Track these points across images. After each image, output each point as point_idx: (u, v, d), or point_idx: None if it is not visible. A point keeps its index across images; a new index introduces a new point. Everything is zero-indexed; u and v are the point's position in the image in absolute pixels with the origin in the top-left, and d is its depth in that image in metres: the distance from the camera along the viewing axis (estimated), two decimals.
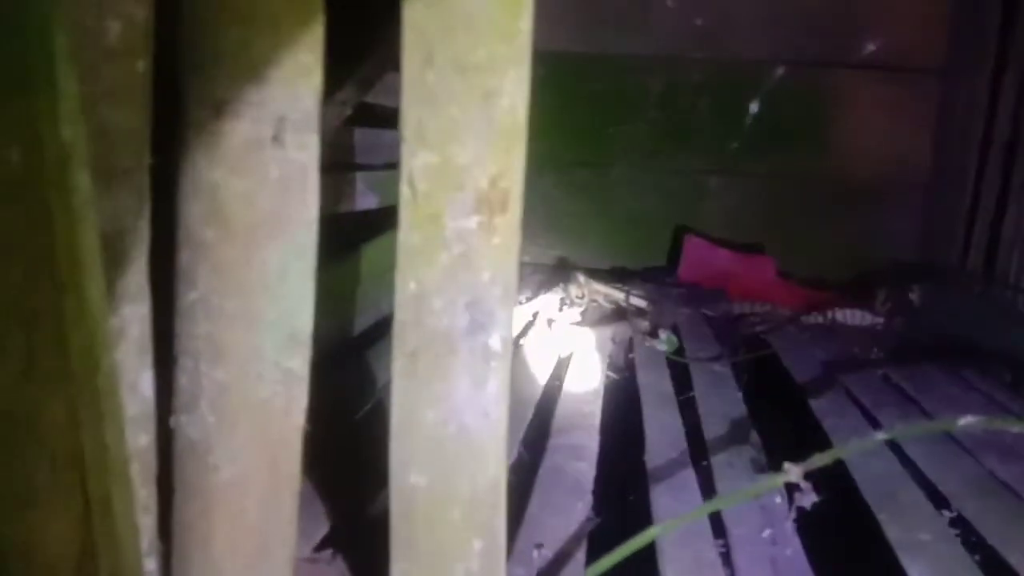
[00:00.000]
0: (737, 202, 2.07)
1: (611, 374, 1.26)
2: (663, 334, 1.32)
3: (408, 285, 0.50)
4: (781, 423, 1.07)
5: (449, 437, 0.52)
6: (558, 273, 1.83)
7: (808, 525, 0.79)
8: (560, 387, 1.14)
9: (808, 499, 0.66)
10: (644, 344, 1.35)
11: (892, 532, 0.74)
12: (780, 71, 2.02)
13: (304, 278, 0.50)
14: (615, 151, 2.13)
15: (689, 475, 0.84)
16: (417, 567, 0.53)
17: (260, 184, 0.48)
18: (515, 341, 1.39)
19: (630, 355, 1.36)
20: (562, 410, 1.03)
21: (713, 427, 0.99)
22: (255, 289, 0.49)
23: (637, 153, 2.12)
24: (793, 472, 0.64)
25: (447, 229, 0.49)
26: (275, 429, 0.51)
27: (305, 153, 0.48)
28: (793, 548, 0.70)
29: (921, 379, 1.27)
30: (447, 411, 0.51)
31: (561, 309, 1.59)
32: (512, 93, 0.49)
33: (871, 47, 1.96)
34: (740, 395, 1.14)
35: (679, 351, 1.31)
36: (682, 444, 0.94)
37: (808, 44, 2.01)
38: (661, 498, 0.79)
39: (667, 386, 1.17)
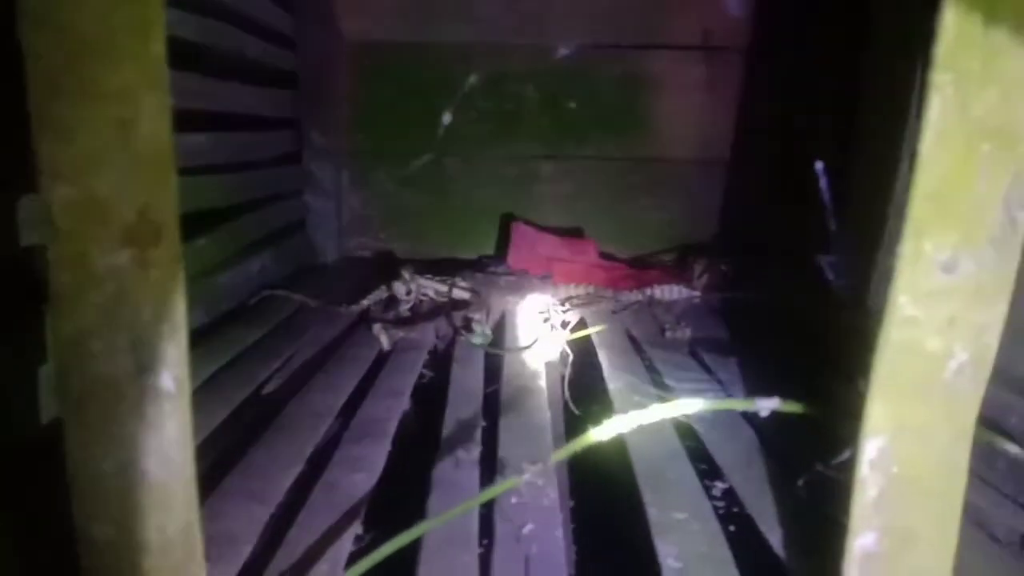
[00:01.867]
0: (569, 187, 2.11)
1: (426, 372, 1.26)
2: (477, 327, 1.33)
3: (64, 329, 0.47)
4: (581, 404, 1.10)
5: (130, 486, 0.49)
6: (386, 270, 1.81)
7: (582, 515, 0.81)
8: (367, 391, 1.13)
9: (549, 496, 0.68)
10: (460, 337, 1.35)
11: (652, 513, 0.77)
12: (598, 54, 2.07)
13: None
14: (448, 141, 2.12)
15: (469, 477, 0.85)
16: None
17: None
18: (331, 344, 1.36)
19: (450, 348, 1.36)
20: (359, 417, 1.01)
21: (508, 421, 1.00)
22: None
23: (470, 142, 2.12)
24: (530, 471, 0.66)
25: (97, 267, 0.46)
26: None
27: None
28: (551, 542, 0.71)
29: (720, 350, 1.34)
30: (124, 459, 0.48)
31: (388, 309, 1.57)
32: (151, 119, 0.46)
33: (684, 28, 2.03)
34: (543, 384, 1.16)
35: (493, 342, 1.32)
36: (475, 444, 0.94)
37: (625, 26, 2.06)
38: (435, 503, 0.79)
39: (475, 381, 1.17)
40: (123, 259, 0.46)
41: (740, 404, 0.70)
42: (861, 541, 0.52)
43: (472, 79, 2.09)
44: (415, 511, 0.79)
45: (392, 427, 0.98)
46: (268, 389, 1.17)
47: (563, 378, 1.18)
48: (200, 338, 1.33)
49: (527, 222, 1.86)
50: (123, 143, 0.45)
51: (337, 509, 0.77)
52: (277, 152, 1.93)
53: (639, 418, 0.69)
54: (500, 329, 1.49)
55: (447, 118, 2.11)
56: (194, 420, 0.50)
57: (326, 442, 0.94)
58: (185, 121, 1.40)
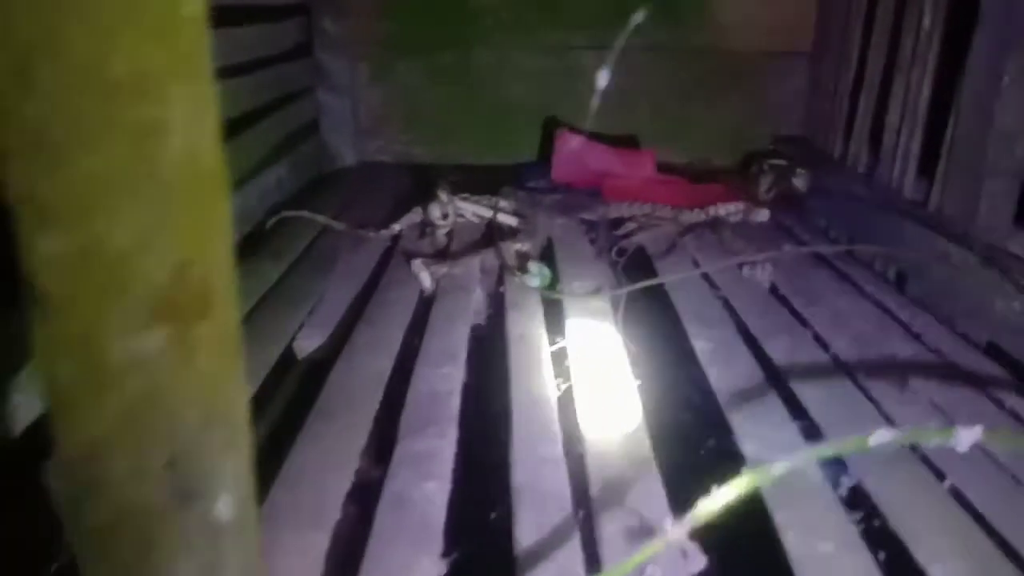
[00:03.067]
0: (617, 81, 1.88)
1: (477, 321, 1.11)
2: (533, 266, 1.17)
3: (71, 443, 0.31)
4: (665, 377, 0.95)
5: None
6: (413, 179, 1.64)
7: None
8: (417, 350, 0.98)
9: (696, 564, 0.54)
10: (514, 277, 1.19)
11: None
12: None
13: None
14: (479, 28, 1.88)
15: (560, 487, 0.71)
16: None
17: None
18: (368, 282, 1.21)
19: (500, 288, 1.21)
20: (414, 392, 0.87)
21: (589, 402, 0.86)
22: None
23: (504, 29, 1.88)
24: (674, 533, 0.52)
25: (113, 355, 0.30)
26: None
27: None
28: None
29: (808, 291, 1.18)
30: None
31: (423, 235, 1.40)
32: (189, 126, 0.28)
33: None
34: (619, 342, 1.01)
35: (552, 284, 1.16)
36: (554, 429, 0.81)
37: None
38: (525, 523, 0.66)
39: (538, 336, 1.02)
40: (153, 342, 0.30)
41: (933, 435, 0.55)
42: None
43: None
44: (501, 530, 0.67)
45: (455, 408, 0.84)
46: (302, 343, 1.02)
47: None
48: None
49: (573, 129, 1.66)
50: (147, 164, 0.28)
51: (411, 534, 0.64)
52: (286, 45, 1.70)
53: (804, 457, 0.55)
54: (550, 260, 1.33)
55: (478, 1, 1.86)
56: None
57: (382, 429, 0.80)
58: None
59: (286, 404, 0.93)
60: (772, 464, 0.52)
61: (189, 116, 0.28)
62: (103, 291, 0.29)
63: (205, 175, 0.29)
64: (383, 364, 0.93)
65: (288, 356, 1.01)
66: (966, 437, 0.52)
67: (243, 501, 0.33)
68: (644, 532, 0.64)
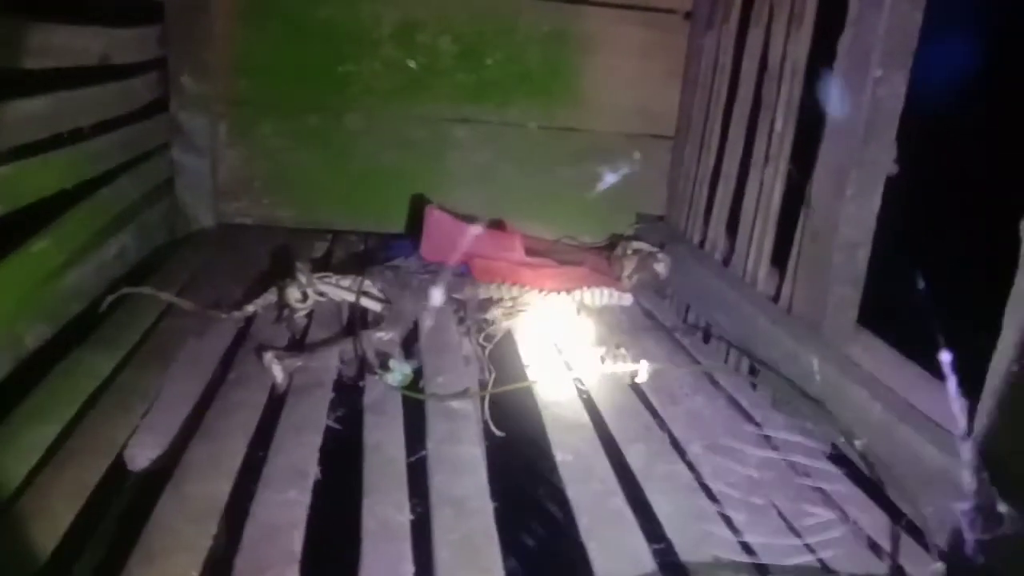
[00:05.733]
0: (487, 156, 1.88)
1: (331, 423, 1.05)
2: (394, 363, 1.12)
3: None
4: (526, 495, 0.93)
5: None
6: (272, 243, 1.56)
7: None
8: (261, 468, 0.91)
9: None
10: (375, 376, 1.14)
11: None
12: (526, 5, 1.82)
13: None
14: (349, 93, 1.84)
15: None
16: None
17: None
18: (213, 378, 1.12)
19: (360, 383, 1.15)
20: (253, 525, 0.80)
21: (443, 527, 0.82)
22: None
23: (375, 97, 1.84)
24: None
25: None
26: None
27: None
28: None
29: (667, 390, 1.20)
30: None
31: (280, 317, 1.33)
32: None
33: None
34: (480, 451, 0.98)
35: (412, 384, 1.12)
36: (405, 566, 0.76)
37: None
38: None
39: (395, 448, 0.97)
40: None
41: None
42: None
43: (383, 25, 1.79)
44: None
45: (297, 543, 0.77)
46: (134, 453, 0.93)
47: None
48: (40, 370, 1.06)
49: (442, 207, 1.63)
50: None
51: None
52: (139, 103, 1.59)
53: None
54: (413, 347, 1.29)
55: (348, 66, 1.82)
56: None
57: (213, 573, 0.73)
58: (12, 83, 1.09)
59: (110, 537, 0.83)
60: None
61: None
62: None
63: None
64: (219, 489, 0.85)
65: (119, 468, 0.91)
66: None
67: None
68: None
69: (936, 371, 1.03)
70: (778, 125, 1.38)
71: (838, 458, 1.04)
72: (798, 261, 1.28)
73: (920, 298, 1.30)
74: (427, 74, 1.83)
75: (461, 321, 1.43)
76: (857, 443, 1.00)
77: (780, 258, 1.38)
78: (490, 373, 1.22)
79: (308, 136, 1.85)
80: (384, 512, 0.84)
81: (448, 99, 1.85)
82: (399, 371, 1.11)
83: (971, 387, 0.91)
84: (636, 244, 1.67)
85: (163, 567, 0.72)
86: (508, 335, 1.38)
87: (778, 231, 1.40)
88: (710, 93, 1.68)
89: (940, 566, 0.77)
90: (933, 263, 1.42)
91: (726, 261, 1.56)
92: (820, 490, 0.96)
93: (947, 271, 1.38)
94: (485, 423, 1.08)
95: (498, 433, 1.03)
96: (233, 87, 1.80)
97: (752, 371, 1.33)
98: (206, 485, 0.85)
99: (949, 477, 0.85)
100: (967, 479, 0.80)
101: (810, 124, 1.29)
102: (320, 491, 0.88)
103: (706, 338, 1.47)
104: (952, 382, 0.83)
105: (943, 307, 1.27)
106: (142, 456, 0.94)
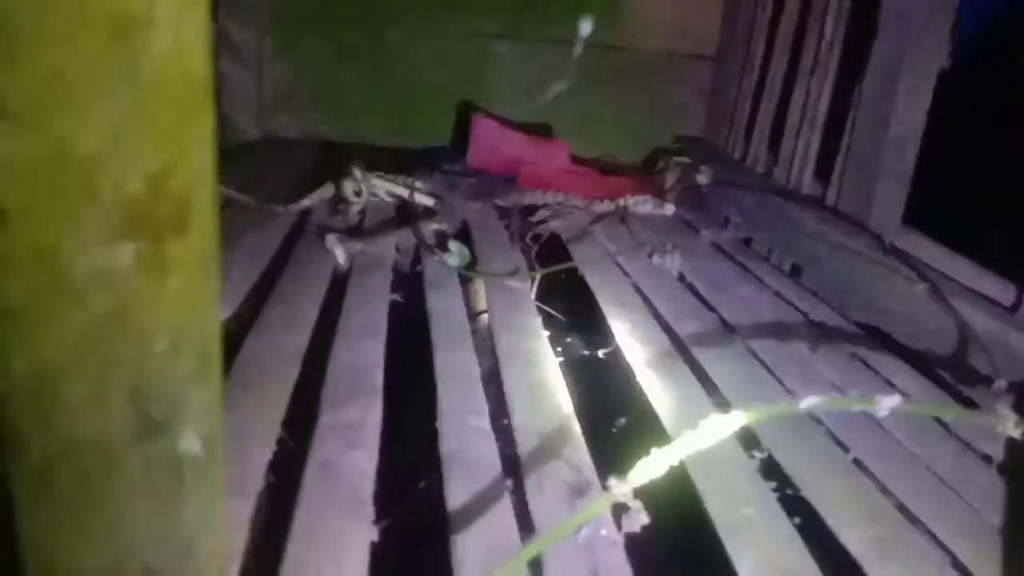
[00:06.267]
0: (528, 72, 1.90)
1: (396, 297, 1.09)
2: (453, 245, 1.16)
3: (20, 367, 0.28)
4: (589, 363, 0.97)
5: None
6: (328, 163, 1.58)
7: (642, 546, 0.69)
8: (336, 323, 0.95)
9: (638, 521, 0.55)
10: (433, 257, 1.18)
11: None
12: None
13: None
14: (393, 8, 1.85)
15: (489, 455, 0.71)
16: None
17: None
18: (277, 257, 1.17)
19: (418, 267, 1.19)
20: (336, 365, 0.85)
21: (514, 377, 0.86)
22: None
23: (418, 12, 1.85)
24: (619, 490, 0.53)
25: (76, 270, 0.27)
26: None
27: None
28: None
29: (713, 280, 1.23)
30: (117, 553, 0.31)
31: (335, 211, 1.36)
32: (171, 20, 0.26)
33: None
34: (539, 320, 1.02)
35: (470, 264, 1.16)
36: (480, 401, 0.80)
37: None
38: (457, 492, 0.65)
39: (459, 314, 1.02)
40: (123, 257, 0.28)
41: (857, 403, 0.59)
42: None
43: None
44: (433, 497, 0.66)
45: (379, 380, 0.82)
46: None
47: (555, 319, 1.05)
48: None
49: (488, 115, 1.66)
50: (125, 61, 0.26)
51: (341, 502, 0.62)
52: None
53: (724, 425, 0.57)
54: (466, 242, 1.32)
55: None
56: None
57: (303, 401, 0.78)
58: None
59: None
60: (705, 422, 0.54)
61: (177, 11, 0.26)
62: (67, 198, 0.27)
63: (190, 79, 0.27)
64: (299, 340, 0.89)
65: None
66: (886, 403, 0.56)
67: (210, 436, 0.31)
68: (576, 493, 0.65)
69: (982, 262, 1.07)
70: (827, 31, 1.39)
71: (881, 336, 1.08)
72: (846, 160, 1.30)
73: (968, 199, 1.32)
74: None
75: (507, 226, 1.46)
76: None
77: (823, 169, 1.40)
78: (538, 266, 1.26)
79: (351, 51, 1.86)
80: (456, 362, 0.88)
81: (489, 14, 1.86)
82: (458, 253, 1.15)
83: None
84: (678, 158, 1.69)
85: (258, 394, 0.77)
86: (554, 237, 1.41)
87: (822, 140, 1.42)
88: (755, 9, 1.68)
89: (1003, 382, 0.81)
90: (981, 165, 1.44)
91: (768, 174, 1.58)
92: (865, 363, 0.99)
93: (995, 175, 1.40)
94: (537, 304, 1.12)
95: (555, 314, 1.07)
96: (278, 1, 1.81)
97: (793, 272, 1.36)
98: (287, 335, 0.90)
99: (1000, 339, 0.88)
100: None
101: (859, 27, 1.31)
102: (394, 345, 0.92)
103: (747, 242, 1.50)
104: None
105: (991, 209, 1.30)
106: (221, 313, 0.98)
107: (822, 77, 1.39)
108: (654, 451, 0.52)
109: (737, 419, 0.56)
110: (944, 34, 1.14)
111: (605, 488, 0.52)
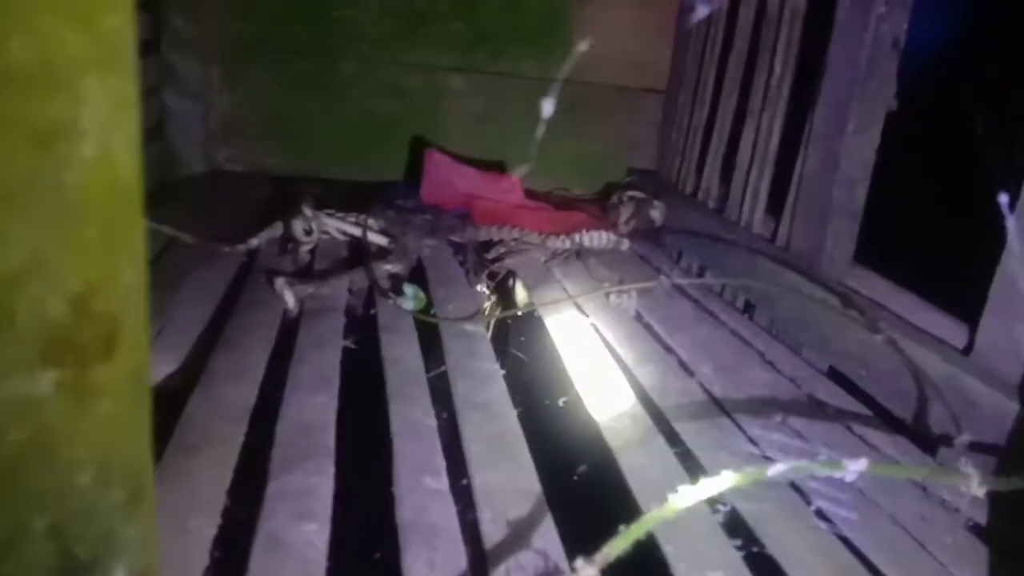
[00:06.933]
0: (480, 106, 1.89)
1: (349, 343, 1.06)
2: (408, 289, 1.13)
3: None
4: (545, 404, 0.95)
5: None
6: (277, 199, 1.55)
7: None
8: (284, 377, 0.92)
9: None
10: (388, 300, 1.15)
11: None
12: None
13: None
14: (344, 39, 1.82)
15: (448, 521, 0.68)
16: None
17: None
18: (223, 302, 1.12)
19: (372, 311, 1.16)
20: (285, 422, 0.81)
21: (472, 427, 0.84)
22: None
23: (370, 43, 1.83)
24: (586, 573, 0.51)
25: None
26: None
27: None
28: None
29: (671, 320, 1.23)
30: None
31: (284, 251, 1.33)
32: (103, 131, 0.24)
33: None
34: (496, 366, 1.00)
35: (426, 308, 1.13)
36: (438, 460, 0.77)
37: None
38: (414, 565, 0.62)
39: (416, 361, 0.99)
40: (42, 386, 0.25)
41: (825, 467, 0.58)
42: None
43: None
44: (389, 569, 0.63)
45: (330, 439, 0.79)
46: (154, 371, 0.92)
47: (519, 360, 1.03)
48: None
49: (441, 150, 1.64)
50: (48, 171, 0.23)
51: None
52: None
53: (709, 487, 0.55)
54: (421, 282, 1.30)
55: (343, 11, 1.80)
56: None
57: (251, 465, 0.74)
58: None
59: None
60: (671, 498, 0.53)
61: (105, 117, 0.24)
62: None
63: (119, 188, 0.25)
64: (246, 394, 0.86)
65: None
66: (854, 467, 0.55)
67: (144, 572, 0.28)
68: (543, 571, 0.62)
69: (933, 300, 1.09)
70: (777, 68, 1.41)
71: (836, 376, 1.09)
72: (796, 198, 1.31)
73: (916, 234, 1.35)
74: (421, 22, 1.83)
75: (462, 263, 1.44)
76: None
77: (774, 204, 1.42)
78: (497, 306, 1.24)
79: (301, 82, 1.83)
80: (411, 415, 0.85)
81: (443, 48, 1.85)
82: (413, 296, 1.12)
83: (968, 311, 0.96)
84: (631, 192, 1.70)
85: (202, 459, 0.73)
86: (510, 275, 1.39)
87: (773, 177, 1.43)
88: (704, 44, 1.71)
89: (965, 437, 0.81)
90: (928, 200, 1.47)
91: (719, 209, 1.59)
92: (825, 408, 0.99)
93: (941, 208, 1.43)
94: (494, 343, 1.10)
95: (518, 355, 1.05)
96: (226, 30, 1.77)
97: (746, 308, 1.37)
98: (234, 389, 0.86)
99: (955, 384, 0.89)
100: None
101: (808, 65, 1.33)
102: (346, 398, 0.89)
103: (700, 275, 1.51)
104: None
105: (939, 242, 1.32)
106: (158, 371, 0.93)
107: (772, 114, 1.41)
108: (622, 528, 0.50)
109: (705, 489, 0.55)
110: (891, 75, 1.16)
111: (573, 570, 0.50)
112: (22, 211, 0.23)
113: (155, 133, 1.73)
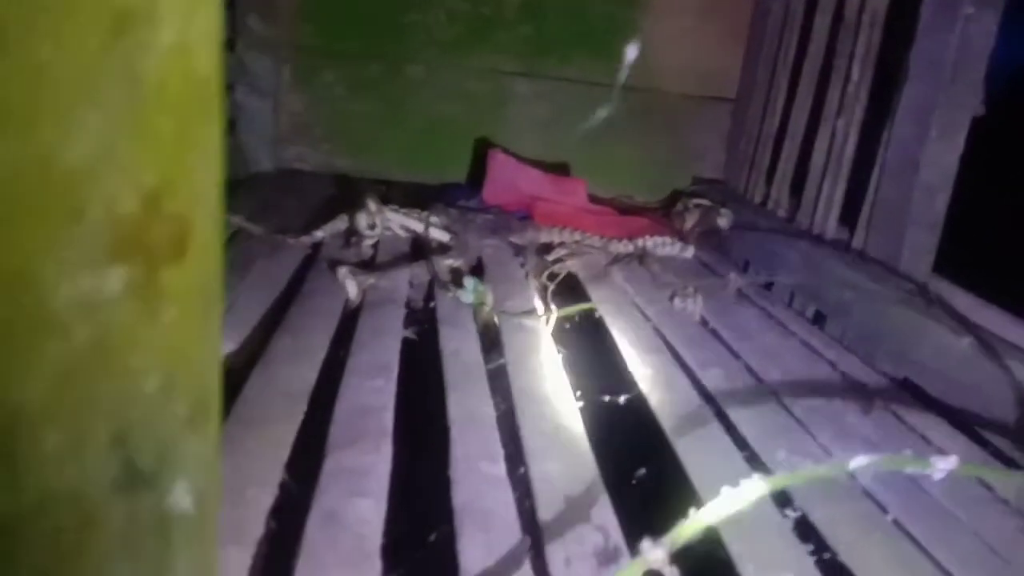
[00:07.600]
0: (545, 111, 1.88)
1: (408, 334, 1.05)
2: (468, 282, 1.12)
3: None
4: (610, 409, 0.92)
5: None
6: (342, 196, 1.56)
7: None
8: (344, 361, 0.92)
9: None
10: (447, 293, 1.14)
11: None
12: None
13: None
14: (411, 44, 1.84)
15: (505, 507, 0.66)
16: None
17: None
18: (287, 289, 1.13)
19: (431, 304, 1.16)
20: (343, 404, 0.81)
21: (530, 419, 0.82)
22: None
23: (436, 48, 1.85)
24: (654, 555, 0.48)
25: (56, 298, 0.24)
26: None
27: None
28: None
29: (737, 327, 1.19)
30: None
31: (348, 244, 1.34)
32: (183, 19, 0.23)
33: None
34: (557, 362, 0.98)
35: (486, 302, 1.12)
36: (495, 447, 0.76)
37: None
38: (470, 547, 0.60)
39: (474, 353, 0.98)
40: (111, 285, 0.24)
41: (911, 463, 0.54)
42: None
43: None
44: (444, 551, 0.61)
45: (388, 422, 0.78)
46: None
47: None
48: None
49: (506, 151, 1.64)
50: (121, 61, 0.22)
51: (345, 554, 0.58)
52: None
53: (783, 480, 0.52)
54: (480, 279, 1.29)
55: (411, 16, 1.83)
56: None
57: (308, 442, 0.73)
58: None
59: None
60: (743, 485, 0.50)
61: (185, 3, 0.23)
62: (49, 217, 0.23)
63: (196, 83, 0.24)
64: (306, 376, 0.85)
65: None
66: (942, 465, 0.52)
67: (203, 491, 0.27)
68: (600, 556, 0.60)
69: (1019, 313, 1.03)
70: (855, 74, 1.37)
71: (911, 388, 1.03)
72: (873, 206, 1.26)
73: (1003, 247, 1.28)
74: (488, 27, 1.83)
75: (522, 265, 1.43)
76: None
77: (848, 214, 1.37)
78: (555, 306, 1.22)
79: (369, 84, 1.86)
80: (469, 403, 0.84)
81: (509, 53, 1.85)
82: (473, 289, 1.11)
83: None
84: (698, 200, 1.66)
85: (261, 433, 0.73)
86: (571, 276, 1.37)
87: (848, 185, 1.38)
88: (777, 51, 1.67)
89: None
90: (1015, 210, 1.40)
91: (790, 219, 1.55)
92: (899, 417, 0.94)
93: None
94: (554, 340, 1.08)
95: (577, 353, 1.03)
96: (298, 32, 1.81)
97: (816, 319, 1.32)
98: (295, 369, 0.86)
99: None
100: None
101: (887, 69, 1.28)
102: (405, 384, 0.88)
103: (768, 286, 1.46)
104: None
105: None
106: (224, 346, 0.94)
107: (848, 120, 1.37)
108: (692, 512, 0.48)
109: (781, 480, 0.52)
110: (978, 80, 1.11)
111: (637, 553, 0.47)
112: (94, 99, 0.22)
113: (226, 130, 1.77)
